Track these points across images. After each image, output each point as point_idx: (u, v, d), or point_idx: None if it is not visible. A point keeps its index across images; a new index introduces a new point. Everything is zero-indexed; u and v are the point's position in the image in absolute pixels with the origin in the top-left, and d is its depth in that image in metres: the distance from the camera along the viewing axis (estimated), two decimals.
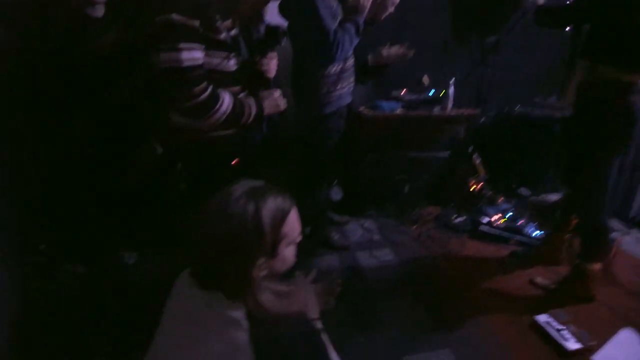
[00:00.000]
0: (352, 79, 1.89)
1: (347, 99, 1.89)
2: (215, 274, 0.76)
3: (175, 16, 1.01)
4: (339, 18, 1.69)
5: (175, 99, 1.10)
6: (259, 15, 1.48)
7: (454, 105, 2.43)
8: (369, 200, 2.48)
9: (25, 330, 1.38)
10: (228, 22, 1.21)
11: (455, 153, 2.53)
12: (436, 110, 2.40)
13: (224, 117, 1.14)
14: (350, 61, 1.85)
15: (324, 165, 1.97)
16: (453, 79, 2.40)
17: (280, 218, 0.78)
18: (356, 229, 2.29)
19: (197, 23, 1.04)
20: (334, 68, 1.75)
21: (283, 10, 1.72)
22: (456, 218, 2.34)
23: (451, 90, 2.41)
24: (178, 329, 0.80)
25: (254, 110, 1.23)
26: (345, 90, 1.84)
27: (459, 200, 2.43)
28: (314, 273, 1.06)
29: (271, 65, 1.32)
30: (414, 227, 2.32)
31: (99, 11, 1.44)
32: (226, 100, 1.14)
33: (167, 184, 2.03)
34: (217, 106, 1.12)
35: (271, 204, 0.77)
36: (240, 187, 0.78)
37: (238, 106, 1.18)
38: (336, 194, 2.46)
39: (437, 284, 1.84)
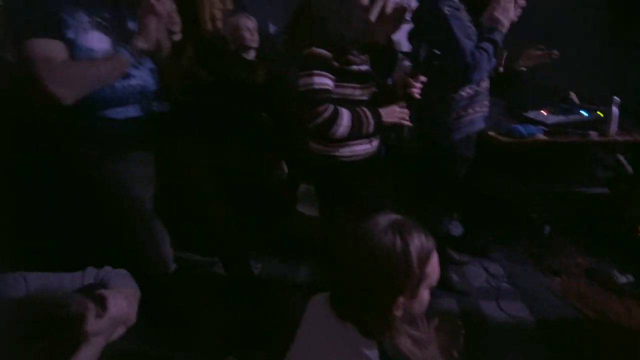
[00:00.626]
0: (486, 102, 1.67)
1: (480, 125, 1.67)
2: (356, 305, 0.75)
3: (314, 49, 1.22)
4: (475, 38, 1.53)
5: (305, 119, 1.25)
6: (390, 43, 1.47)
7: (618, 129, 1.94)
8: (496, 240, 2.15)
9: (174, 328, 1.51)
10: (364, 57, 1.32)
11: (618, 189, 2.01)
12: (593, 135, 1.95)
13: (348, 130, 1.25)
14: (485, 83, 1.63)
15: (447, 196, 1.78)
16: (617, 98, 1.92)
17: (425, 257, 0.74)
18: (479, 272, 1.99)
19: (330, 55, 1.22)
20: (467, 91, 1.57)
21: (413, 35, 1.63)
22: (620, 275, 1.82)
23: (614, 111, 1.93)
24: (311, 354, 0.80)
25: (371, 119, 1.29)
26: (478, 115, 1.63)
27: (624, 251, 1.90)
28: (436, 321, 0.95)
29: (417, 88, 1.36)
30: (557, 279, 1.89)
31: (251, 54, 1.89)
32: (345, 115, 1.24)
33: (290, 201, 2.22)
34: (339, 121, 1.23)
35: (417, 241, 0.74)
36: (384, 219, 0.76)
37: (356, 118, 1.27)
38: (456, 228, 2.21)
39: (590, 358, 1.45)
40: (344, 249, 0.78)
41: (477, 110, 1.62)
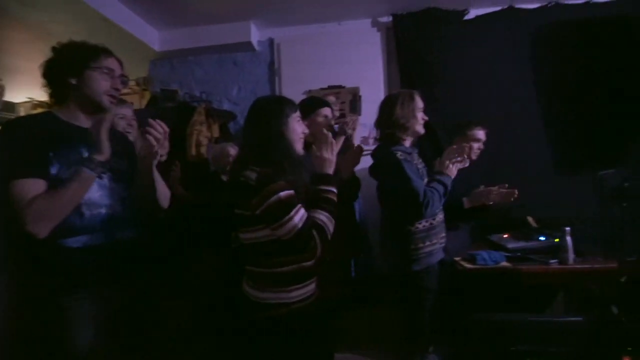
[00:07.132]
0: (442, 235, 1.81)
1: (439, 256, 1.78)
2: None
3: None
4: (426, 177, 1.75)
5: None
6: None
7: (577, 257, 1.98)
8: None
9: None
10: None
11: (595, 316, 1.98)
12: (553, 263, 2.02)
13: None
14: (440, 217, 1.81)
15: (421, 327, 1.75)
16: (568, 228, 1.97)
17: None
18: None
19: None
20: (422, 224, 1.72)
21: (373, 172, 1.87)
22: None
23: (568, 240, 1.99)
24: None
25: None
26: (435, 247, 1.75)
27: None
28: None
29: None
30: None
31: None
32: None
33: None
34: None
35: None
36: None
37: None
38: None
39: None
40: None
41: (434, 242, 1.75)
